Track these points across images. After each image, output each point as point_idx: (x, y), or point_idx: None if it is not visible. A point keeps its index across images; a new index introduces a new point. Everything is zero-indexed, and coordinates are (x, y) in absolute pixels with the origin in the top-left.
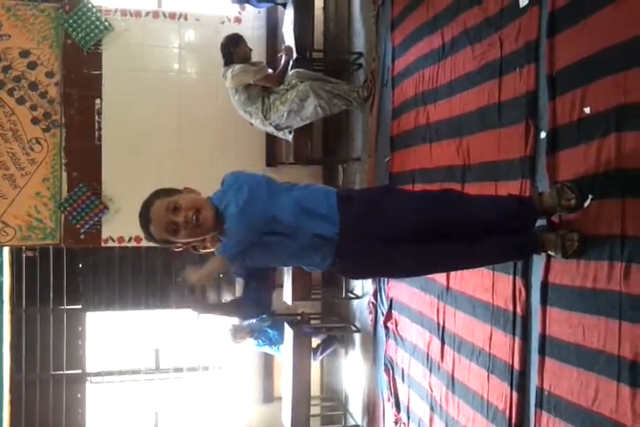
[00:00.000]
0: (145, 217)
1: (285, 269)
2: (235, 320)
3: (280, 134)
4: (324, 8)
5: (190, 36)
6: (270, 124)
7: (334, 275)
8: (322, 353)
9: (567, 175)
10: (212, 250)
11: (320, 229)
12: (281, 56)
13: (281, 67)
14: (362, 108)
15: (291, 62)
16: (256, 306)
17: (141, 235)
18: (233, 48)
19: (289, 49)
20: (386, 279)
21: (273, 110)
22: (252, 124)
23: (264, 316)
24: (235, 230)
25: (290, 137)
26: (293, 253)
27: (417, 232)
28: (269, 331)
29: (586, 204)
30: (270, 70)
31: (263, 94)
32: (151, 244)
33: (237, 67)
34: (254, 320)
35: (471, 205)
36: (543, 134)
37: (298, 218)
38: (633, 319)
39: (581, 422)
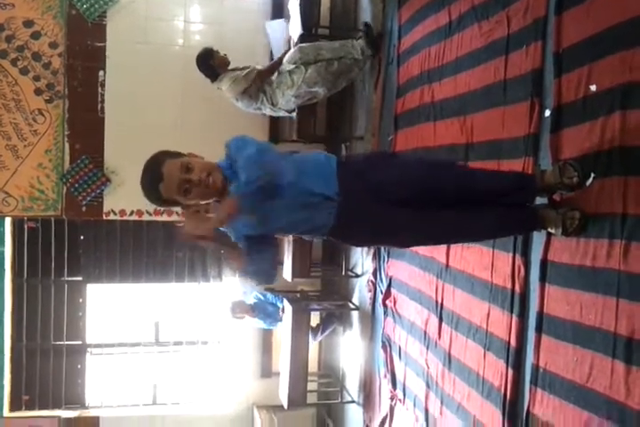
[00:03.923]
0: (155, 175)
1: (286, 245)
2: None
3: (293, 115)
4: None
5: (195, 10)
6: (280, 108)
7: (334, 252)
8: (322, 333)
9: (570, 153)
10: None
11: (320, 188)
12: (285, 52)
13: (276, 59)
14: (370, 74)
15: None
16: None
17: (143, 208)
18: (211, 61)
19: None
20: (385, 257)
21: (279, 95)
22: (264, 114)
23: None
24: (248, 168)
25: (293, 114)
26: (293, 212)
27: (417, 196)
28: (269, 308)
29: (588, 182)
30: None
31: (262, 87)
32: (151, 219)
33: (226, 79)
34: (257, 299)
35: (471, 171)
36: (547, 112)
37: (297, 178)
38: (630, 297)
39: (575, 399)
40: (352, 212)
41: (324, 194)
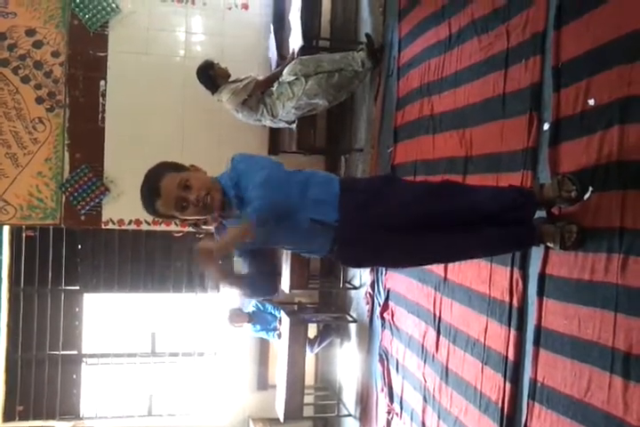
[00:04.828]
0: (153, 190)
1: (284, 257)
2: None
3: (293, 126)
4: None
5: (197, 21)
6: (280, 119)
7: (332, 264)
8: (319, 345)
9: (569, 167)
10: (212, 227)
11: (320, 215)
12: (287, 63)
13: (275, 70)
14: (370, 84)
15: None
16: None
17: (142, 218)
18: (211, 71)
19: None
20: (383, 270)
21: (279, 106)
22: (264, 125)
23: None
24: (263, 195)
25: (293, 126)
26: (292, 236)
27: (417, 222)
28: (269, 317)
29: (586, 196)
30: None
31: (262, 99)
32: (150, 229)
33: (225, 90)
34: (256, 308)
35: (472, 196)
36: (546, 126)
37: (301, 205)
38: (628, 311)
39: (573, 414)
40: (350, 238)
41: (322, 222)
